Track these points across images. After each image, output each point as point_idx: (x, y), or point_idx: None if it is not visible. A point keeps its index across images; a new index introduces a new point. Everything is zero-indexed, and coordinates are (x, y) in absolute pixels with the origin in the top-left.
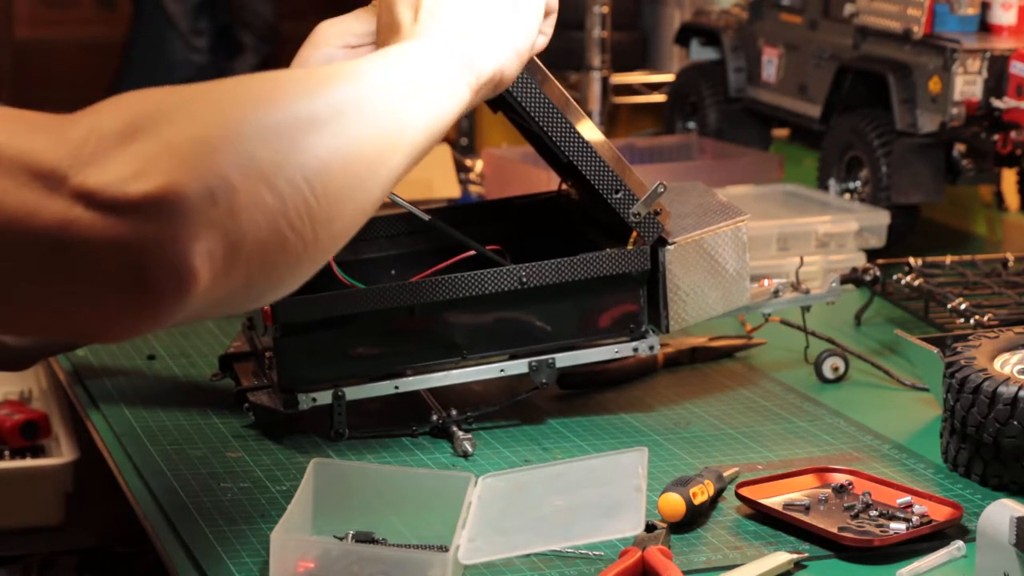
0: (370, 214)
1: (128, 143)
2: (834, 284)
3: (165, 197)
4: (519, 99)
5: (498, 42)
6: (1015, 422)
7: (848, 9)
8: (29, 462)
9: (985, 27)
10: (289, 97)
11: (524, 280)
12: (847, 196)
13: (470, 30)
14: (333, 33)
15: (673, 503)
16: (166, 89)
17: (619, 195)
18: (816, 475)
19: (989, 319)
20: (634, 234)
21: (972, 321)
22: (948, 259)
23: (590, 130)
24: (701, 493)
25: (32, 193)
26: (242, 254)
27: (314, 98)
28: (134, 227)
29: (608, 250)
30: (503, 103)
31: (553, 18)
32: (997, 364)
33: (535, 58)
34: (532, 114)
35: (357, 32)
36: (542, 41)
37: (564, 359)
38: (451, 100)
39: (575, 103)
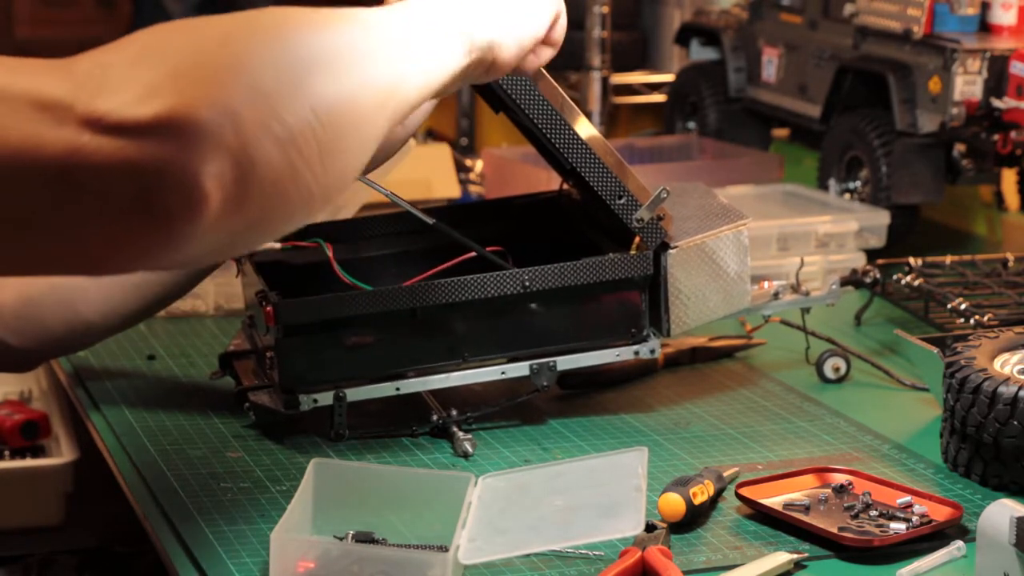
0: (368, 156)
1: (136, 68)
2: (834, 286)
3: (173, 119)
4: (522, 105)
5: (496, 18)
6: (1015, 422)
7: (848, 9)
8: (29, 462)
9: (985, 27)
10: (295, 35)
11: (527, 284)
12: (847, 196)
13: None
14: None
15: (673, 503)
16: (175, 22)
17: (622, 201)
18: (816, 475)
19: (989, 319)
20: (637, 239)
21: (972, 321)
22: (948, 259)
23: (593, 136)
24: (701, 493)
25: (39, 125)
26: (253, 180)
27: (322, 38)
28: (142, 149)
29: (611, 255)
30: (504, 104)
31: (562, 28)
32: (997, 364)
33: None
34: (535, 120)
35: None
36: (548, 54)
37: (565, 362)
38: (447, 59)
39: (578, 108)
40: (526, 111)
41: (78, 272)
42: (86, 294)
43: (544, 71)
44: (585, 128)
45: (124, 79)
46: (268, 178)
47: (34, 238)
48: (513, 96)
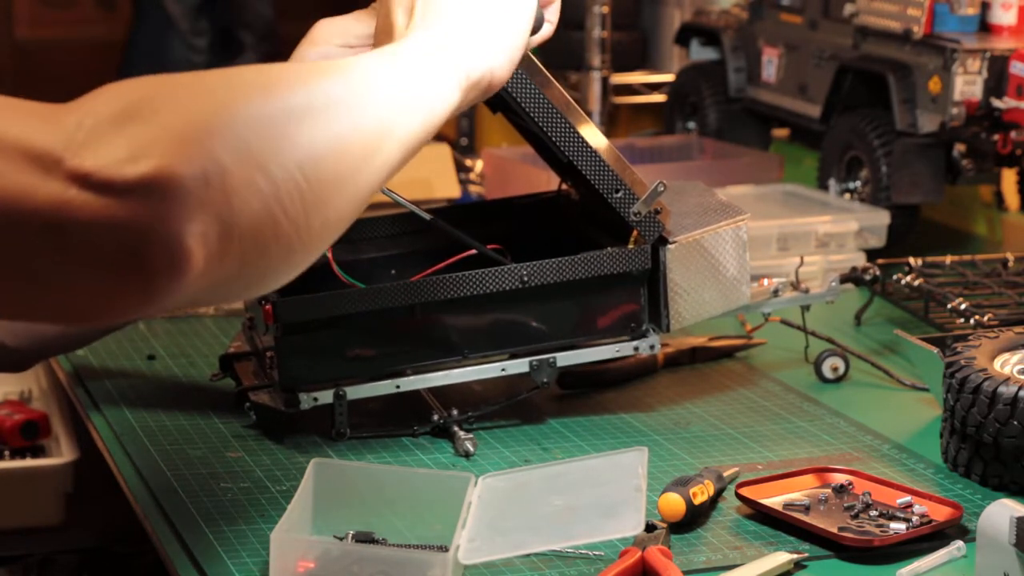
0: (360, 208)
1: (123, 127)
2: (834, 283)
3: (159, 178)
4: (519, 100)
5: (488, 44)
6: (1015, 422)
7: (848, 9)
8: (29, 462)
9: (985, 27)
10: (282, 87)
11: (525, 279)
12: (847, 196)
13: (461, 32)
14: (332, 32)
15: (673, 503)
16: (161, 77)
17: (619, 194)
18: (816, 475)
19: (989, 319)
20: (635, 233)
21: (972, 321)
22: (948, 259)
23: (590, 130)
24: (701, 493)
25: (27, 175)
26: (236, 236)
27: (307, 90)
28: (129, 208)
29: (609, 249)
30: (502, 104)
31: (557, 5)
32: (997, 364)
33: (535, 59)
34: (532, 115)
35: (355, 33)
36: (548, 29)
37: (565, 358)
38: (440, 100)
39: (575, 103)
40: (523, 107)
41: (59, 321)
42: None
43: (543, 68)
44: (582, 123)
45: (112, 135)
46: (251, 235)
47: (18, 285)
48: (512, 92)
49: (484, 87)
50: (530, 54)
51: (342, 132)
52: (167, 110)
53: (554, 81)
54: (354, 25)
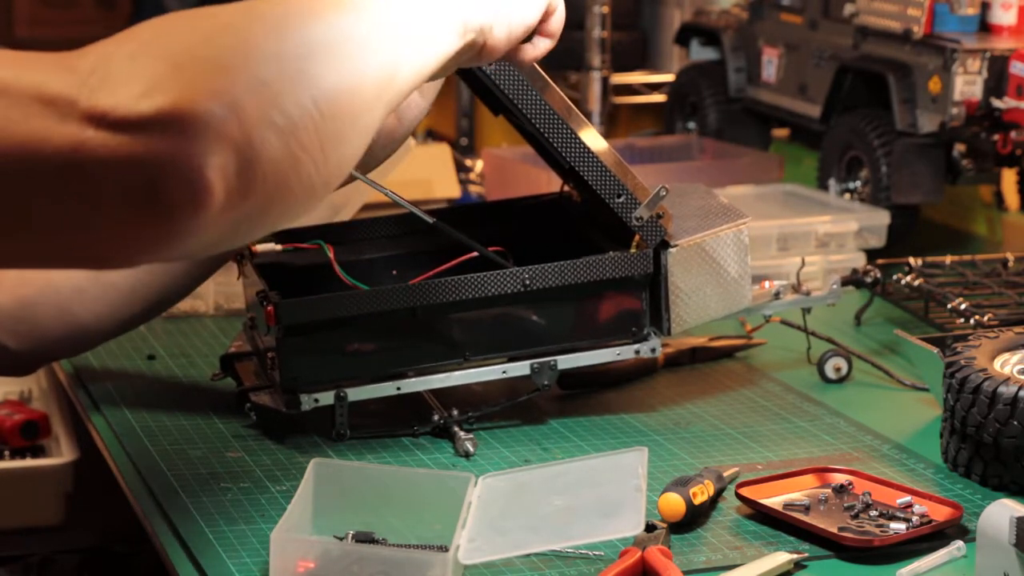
0: (366, 146)
1: (137, 63)
2: (835, 286)
3: (176, 112)
4: (519, 105)
5: (491, 1)
6: (1015, 422)
7: (848, 9)
8: (29, 462)
9: (985, 27)
10: (295, 24)
11: (527, 282)
12: (847, 196)
13: None
14: None
15: (673, 503)
16: (176, 13)
17: (621, 199)
18: (816, 475)
19: (989, 319)
20: (636, 237)
21: (972, 321)
22: (948, 259)
23: (591, 135)
24: (701, 493)
25: (43, 120)
26: (257, 171)
27: (323, 25)
28: (146, 143)
29: (611, 253)
30: (503, 106)
31: (559, 20)
32: (997, 364)
33: (536, 65)
34: (533, 120)
35: None
36: (545, 45)
37: (566, 361)
38: (442, 42)
39: (575, 108)
40: (524, 112)
41: (83, 265)
42: (82, 296)
43: (543, 71)
44: (583, 127)
45: (126, 73)
46: (270, 168)
47: (39, 231)
48: (512, 97)
49: (479, 47)
50: None
51: (356, 68)
52: (182, 44)
53: (554, 85)
54: None
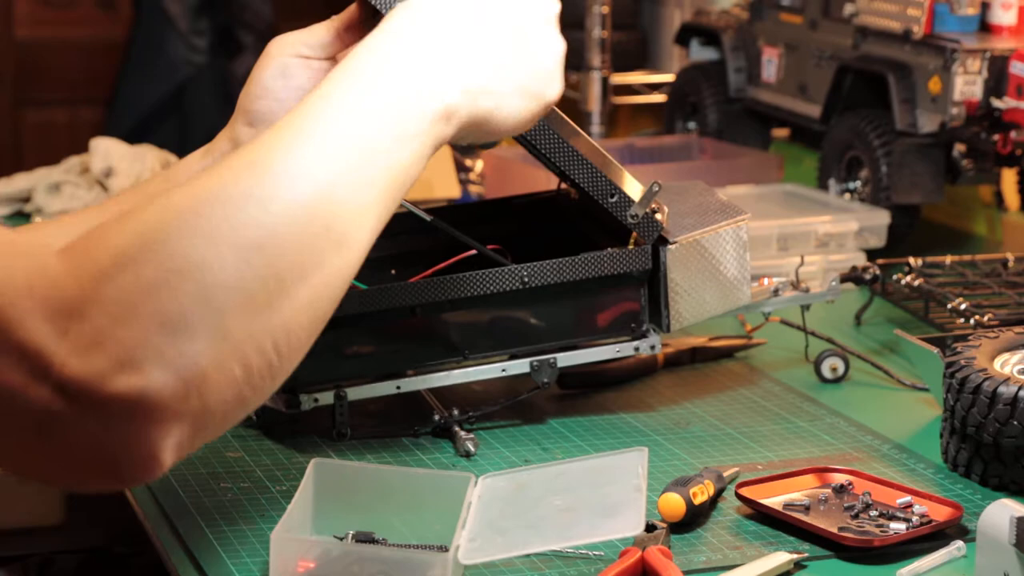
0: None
1: (117, 328)
2: (834, 283)
3: (141, 399)
4: None
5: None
6: (1015, 422)
7: (848, 9)
8: None
9: (985, 27)
10: (262, 259)
11: (526, 280)
12: (847, 196)
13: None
14: (287, 43)
15: (673, 503)
16: (144, 237)
17: (615, 199)
18: (816, 475)
19: (989, 319)
20: (634, 234)
21: (972, 321)
22: (948, 259)
23: (579, 137)
24: (701, 493)
25: (20, 375)
26: (207, 427)
27: (288, 261)
28: (111, 426)
29: (609, 250)
30: None
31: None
32: (997, 364)
33: None
34: (526, 135)
35: (310, 43)
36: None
37: (565, 359)
38: (414, 168)
39: (560, 112)
40: None
41: (35, 481)
42: None
43: None
44: (568, 131)
45: (104, 337)
46: (220, 418)
47: (7, 456)
48: None
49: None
50: None
51: (316, 296)
52: (151, 300)
53: None
54: (308, 36)
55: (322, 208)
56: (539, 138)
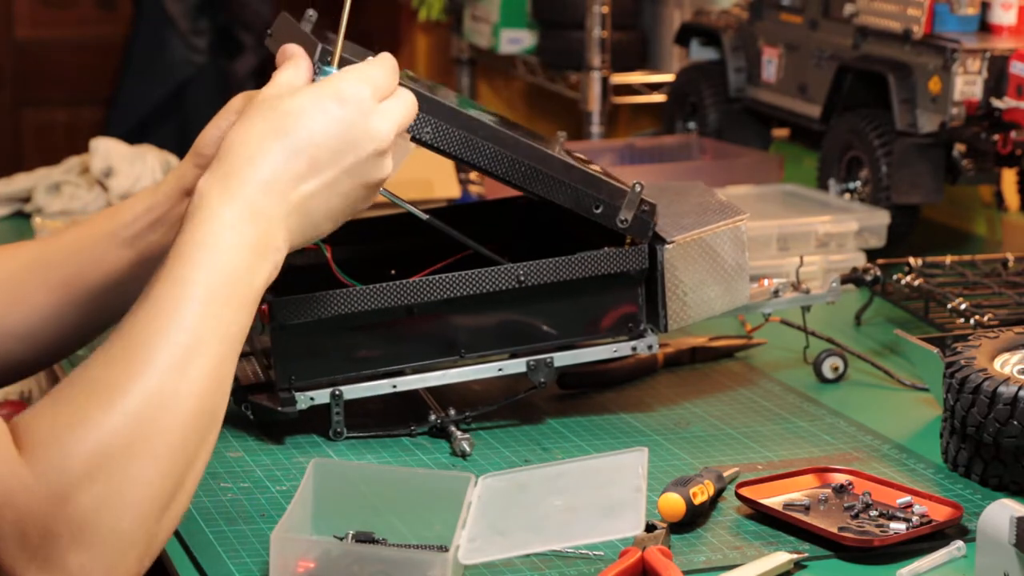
0: None
1: (71, 544)
2: (834, 284)
3: None
4: (469, 161)
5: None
6: (1015, 422)
7: (848, 9)
8: None
9: (985, 27)
10: (185, 454)
11: (522, 279)
12: (847, 196)
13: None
14: (250, 99)
15: (673, 503)
16: (104, 456)
17: (600, 210)
18: (816, 475)
19: (989, 319)
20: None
21: (972, 321)
22: (948, 259)
23: (549, 159)
24: (701, 493)
25: None
26: None
27: (196, 447)
28: None
29: (606, 249)
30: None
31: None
32: (997, 364)
33: (488, 111)
34: (487, 170)
35: None
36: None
37: (562, 358)
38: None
39: (526, 140)
40: (475, 164)
41: None
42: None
43: (489, 114)
44: (538, 155)
45: (64, 560)
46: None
47: None
48: (459, 155)
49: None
50: (472, 109)
51: (200, 472)
52: (105, 519)
53: (499, 118)
54: (274, 91)
55: (210, 403)
56: (510, 172)
